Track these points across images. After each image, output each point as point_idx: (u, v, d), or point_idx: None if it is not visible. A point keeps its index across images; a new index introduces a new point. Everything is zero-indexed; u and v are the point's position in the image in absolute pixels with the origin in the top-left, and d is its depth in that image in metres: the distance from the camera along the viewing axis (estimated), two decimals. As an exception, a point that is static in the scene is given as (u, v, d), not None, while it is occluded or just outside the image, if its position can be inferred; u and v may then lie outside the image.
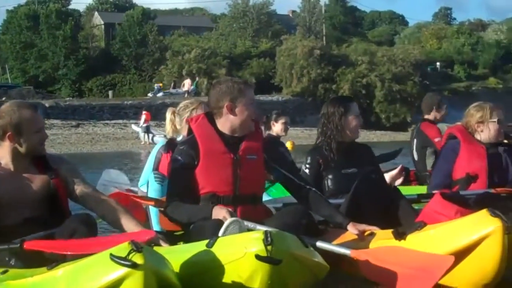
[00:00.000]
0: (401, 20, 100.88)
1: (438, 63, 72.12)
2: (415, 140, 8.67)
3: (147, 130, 41.09)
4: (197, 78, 57.80)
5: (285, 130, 9.10)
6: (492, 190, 5.64)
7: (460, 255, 4.30)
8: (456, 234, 4.39)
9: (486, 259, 4.25)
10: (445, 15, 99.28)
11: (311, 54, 60.51)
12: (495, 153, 5.92)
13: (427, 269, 4.13)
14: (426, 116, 8.84)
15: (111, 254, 3.43)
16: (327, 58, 61.44)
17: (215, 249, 4.00)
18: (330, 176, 5.89)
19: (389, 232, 4.81)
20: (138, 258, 3.41)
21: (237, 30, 70.95)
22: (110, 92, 59.52)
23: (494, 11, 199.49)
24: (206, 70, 60.32)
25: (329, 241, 4.79)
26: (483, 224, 4.26)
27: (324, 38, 71.98)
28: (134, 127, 44.13)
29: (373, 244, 4.82)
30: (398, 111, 58.90)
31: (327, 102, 6.14)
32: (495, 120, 5.98)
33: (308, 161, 5.94)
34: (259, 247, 3.74)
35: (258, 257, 3.72)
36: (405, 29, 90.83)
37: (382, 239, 4.80)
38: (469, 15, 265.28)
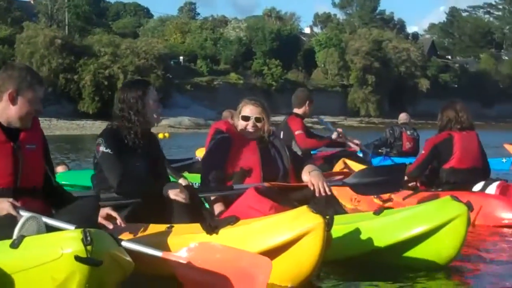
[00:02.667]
0: (146, 13, 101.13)
1: (181, 57, 73.04)
2: (281, 132, 8.95)
3: None
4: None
5: None
6: (266, 184, 5.58)
7: (278, 251, 4.27)
8: (275, 230, 4.34)
9: (305, 256, 4.25)
10: (190, 9, 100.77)
11: (52, 43, 59.13)
12: (265, 147, 5.90)
13: (249, 272, 4.05)
14: (295, 110, 9.22)
15: None
16: (69, 48, 60.42)
17: (21, 250, 3.66)
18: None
19: (197, 225, 4.61)
20: None
21: (-27, 15, 67.14)
22: None
23: (239, 9, 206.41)
24: None
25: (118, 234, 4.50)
26: (304, 220, 4.25)
27: (66, 27, 70.28)
28: None
29: (180, 238, 4.56)
30: (141, 103, 58.78)
31: (123, 86, 5.75)
32: (241, 116, 5.93)
33: (107, 141, 5.30)
34: (77, 247, 3.49)
35: (77, 258, 3.47)
36: (149, 21, 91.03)
37: (191, 233, 4.59)
38: (215, 11, 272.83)
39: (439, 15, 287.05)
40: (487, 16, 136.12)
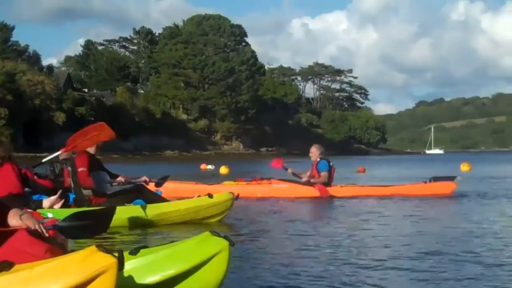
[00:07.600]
0: None
1: None
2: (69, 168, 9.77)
3: None
4: None
5: None
6: None
7: None
8: (63, 273, 3.95)
9: None
10: None
11: None
12: None
13: None
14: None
15: None
16: None
17: None
18: None
19: None
20: None
21: None
22: None
23: None
24: None
25: None
26: (95, 261, 3.96)
27: None
28: None
29: None
30: None
31: None
32: None
33: None
34: None
35: None
36: None
37: None
38: None
39: (78, 48, 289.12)
40: (122, 50, 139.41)
